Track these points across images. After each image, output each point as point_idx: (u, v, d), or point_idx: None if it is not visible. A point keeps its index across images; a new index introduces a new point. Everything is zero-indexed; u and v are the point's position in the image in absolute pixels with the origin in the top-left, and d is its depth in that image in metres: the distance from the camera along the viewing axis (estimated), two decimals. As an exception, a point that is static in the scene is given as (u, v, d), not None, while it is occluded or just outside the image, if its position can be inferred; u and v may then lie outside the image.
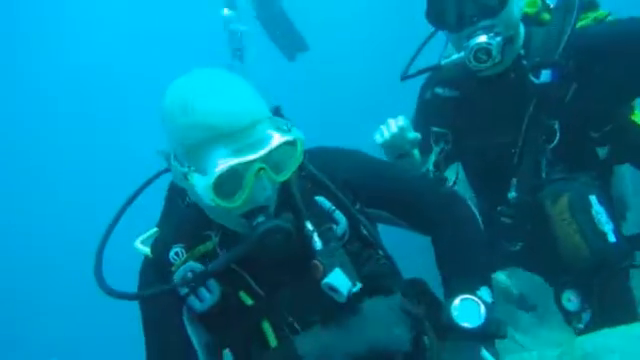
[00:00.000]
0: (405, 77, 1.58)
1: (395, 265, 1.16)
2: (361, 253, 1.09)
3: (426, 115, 1.65)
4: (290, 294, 1.04)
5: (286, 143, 0.93)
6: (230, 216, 0.97)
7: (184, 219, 1.11)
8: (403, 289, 1.12)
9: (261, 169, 0.90)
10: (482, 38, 1.30)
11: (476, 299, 1.01)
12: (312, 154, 1.12)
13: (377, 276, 1.08)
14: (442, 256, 1.14)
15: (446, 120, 1.58)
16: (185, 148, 0.92)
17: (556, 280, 1.50)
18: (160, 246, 1.09)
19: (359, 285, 0.98)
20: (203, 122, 0.88)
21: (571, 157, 1.41)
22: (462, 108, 1.54)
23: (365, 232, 1.10)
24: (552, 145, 1.39)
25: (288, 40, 5.19)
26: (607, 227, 1.30)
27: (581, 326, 1.43)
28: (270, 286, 1.06)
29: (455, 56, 1.38)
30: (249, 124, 0.90)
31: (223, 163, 0.88)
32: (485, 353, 0.98)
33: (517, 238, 1.53)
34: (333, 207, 1.07)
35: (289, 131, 0.96)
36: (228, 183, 0.90)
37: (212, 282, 1.04)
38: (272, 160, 0.93)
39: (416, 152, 1.61)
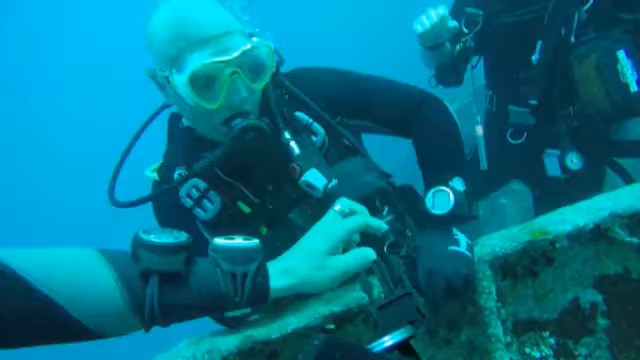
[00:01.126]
0: None
1: (380, 170, 1.25)
2: (342, 159, 1.20)
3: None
4: (281, 199, 1.16)
5: (258, 50, 1.04)
6: (214, 125, 1.06)
7: (182, 144, 1.21)
8: (385, 188, 1.23)
9: (235, 72, 1.00)
10: None
11: (447, 189, 1.10)
12: (292, 74, 1.23)
13: (355, 176, 1.19)
14: (420, 155, 1.24)
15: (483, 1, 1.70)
16: (168, 59, 1.01)
17: (565, 143, 1.62)
18: (165, 170, 1.21)
19: (335, 181, 1.09)
20: (182, 32, 0.99)
21: (603, 20, 1.49)
22: None
23: (346, 142, 1.21)
24: (586, 7, 1.48)
25: None
26: (631, 78, 1.40)
27: None
28: (263, 195, 1.18)
29: None
30: (223, 32, 1.01)
31: (199, 62, 0.98)
32: (455, 230, 1.07)
33: (534, 97, 1.64)
34: (311, 120, 1.17)
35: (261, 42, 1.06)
36: (206, 86, 1.01)
37: (212, 194, 1.15)
38: (246, 66, 1.03)
39: (448, 44, 1.73)
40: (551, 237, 0.99)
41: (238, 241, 0.82)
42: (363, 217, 0.94)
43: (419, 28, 1.64)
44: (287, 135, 1.12)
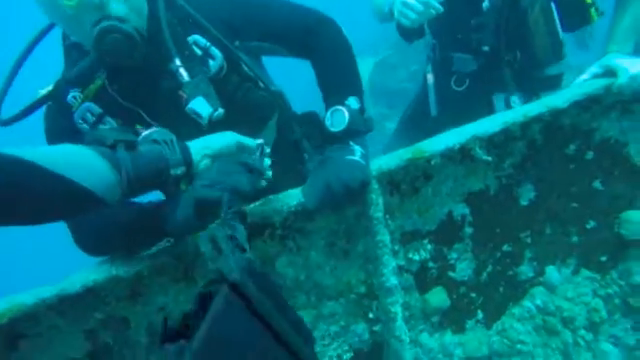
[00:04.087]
0: None
1: (279, 98, 1.31)
2: (240, 86, 1.24)
3: None
4: (176, 125, 1.13)
5: None
6: (86, 33, 1.04)
7: (73, 64, 1.16)
8: (284, 116, 1.30)
9: None
10: None
11: (342, 108, 1.20)
12: None
13: (254, 106, 1.27)
14: (318, 77, 1.30)
15: None
16: None
17: (511, 86, 1.74)
18: (57, 92, 1.17)
19: (221, 111, 1.12)
20: None
21: None
22: None
23: (244, 67, 1.24)
24: None
25: None
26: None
27: None
28: (162, 119, 1.18)
29: None
30: None
31: None
32: (352, 143, 1.18)
33: (484, 42, 1.72)
34: (208, 43, 1.18)
35: None
36: None
37: (108, 119, 1.16)
38: None
39: None
40: (427, 155, 1.18)
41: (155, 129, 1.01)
42: (237, 136, 1.06)
43: (406, 22, 1.58)
44: (177, 62, 1.12)
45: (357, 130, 1.20)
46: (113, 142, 0.91)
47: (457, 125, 1.39)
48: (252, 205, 1.14)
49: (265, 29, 1.27)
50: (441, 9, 1.53)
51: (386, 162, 1.17)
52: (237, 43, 1.23)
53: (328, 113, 1.22)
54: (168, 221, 0.99)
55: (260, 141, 1.09)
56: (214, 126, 1.12)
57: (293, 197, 1.13)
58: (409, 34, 1.80)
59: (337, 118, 1.20)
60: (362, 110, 1.25)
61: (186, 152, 0.97)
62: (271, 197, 1.15)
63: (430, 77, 1.94)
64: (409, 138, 1.96)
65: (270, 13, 1.27)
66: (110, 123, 1.16)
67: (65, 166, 0.79)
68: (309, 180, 1.12)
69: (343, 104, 1.21)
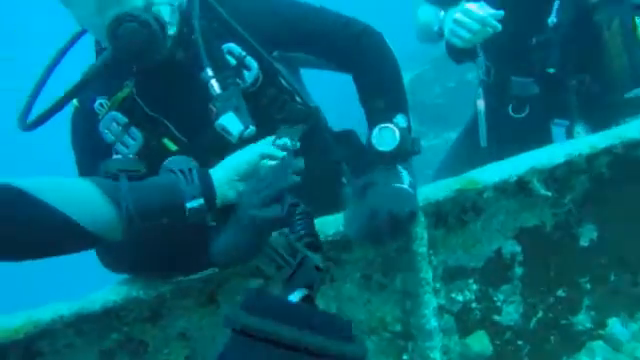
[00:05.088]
0: None
1: (316, 114, 1.23)
2: (276, 99, 1.15)
3: None
4: (209, 138, 1.07)
5: None
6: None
7: (102, 70, 1.08)
8: (321, 133, 1.21)
9: None
10: None
11: (391, 125, 1.10)
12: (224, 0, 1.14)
13: (290, 121, 1.15)
14: (362, 91, 1.21)
15: None
16: None
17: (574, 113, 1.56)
18: (85, 97, 1.12)
19: (253, 128, 1.02)
20: None
21: None
22: None
23: (281, 79, 1.15)
24: None
25: None
26: None
27: None
28: (190, 132, 1.11)
29: None
30: None
31: None
32: (400, 167, 1.07)
33: (549, 62, 1.53)
34: (244, 53, 1.11)
35: None
36: None
37: (134, 130, 1.09)
38: None
39: None
40: (479, 187, 1.07)
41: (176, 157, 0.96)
42: (263, 146, 1.00)
43: (458, 42, 1.42)
44: (209, 72, 1.04)
45: (406, 151, 1.10)
46: (116, 172, 0.86)
47: (511, 155, 1.27)
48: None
49: (308, 39, 1.19)
50: (499, 27, 1.37)
51: (433, 192, 1.07)
52: (275, 53, 1.16)
53: (375, 130, 1.11)
54: (219, 253, 0.93)
55: (283, 141, 1.03)
56: (244, 143, 1.04)
57: (330, 225, 1.05)
58: (460, 55, 1.62)
59: (386, 136, 1.09)
60: (409, 129, 1.14)
61: (206, 183, 0.91)
62: (306, 223, 1.07)
63: (481, 103, 1.75)
64: (457, 170, 1.82)
65: (313, 22, 1.19)
66: (135, 134, 1.09)
67: (58, 198, 0.75)
68: (351, 207, 1.03)
69: (391, 121, 1.11)
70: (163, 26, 0.96)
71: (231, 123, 1.00)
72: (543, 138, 1.68)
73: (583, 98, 1.58)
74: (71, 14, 1.03)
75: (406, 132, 1.11)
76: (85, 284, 1.02)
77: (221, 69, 1.07)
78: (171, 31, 1.01)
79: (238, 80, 1.09)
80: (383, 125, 1.10)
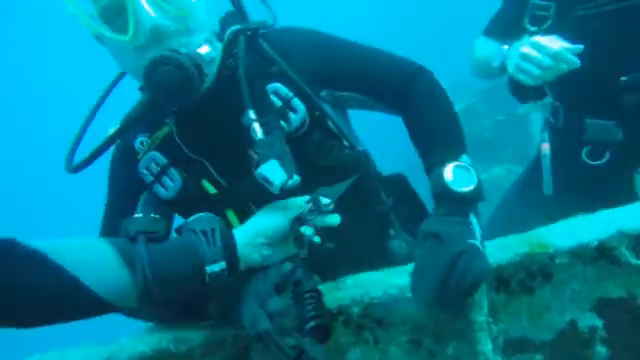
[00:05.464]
0: None
1: (365, 159, 1.15)
2: (323, 144, 1.07)
3: None
4: (249, 184, 1.00)
5: None
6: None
7: (144, 107, 1.04)
8: (369, 180, 1.13)
9: None
10: None
11: (465, 164, 0.98)
12: (270, 35, 1.08)
13: (338, 168, 1.08)
14: (417, 131, 1.11)
15: None
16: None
17: None
18: (125, 133, 1.08)
19: (297, 178, 0.94)
20: None
21: None
22: None
23: (329, 123, 1.08)
24: None
25: None
26: None
27: None
28: (230, 176, 1.06)
29: None
30: None
31: None
32: (472, 216, 0.93)
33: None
34: (291, 94, 1.04)
35: None
36: (117, 16, 0.91)
37: (173, 171, 1.06)
38: None
39: None
40: (551, 251, 0.92)
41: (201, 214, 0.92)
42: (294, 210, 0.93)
43: (526, 79, 1.28)
44: (251, 115, 0.97)
45: (482, 195, 0.96)
46: (135, 234, 0.82)
47: (583, 207, 1.09)
48: (325, 287, 0.97)
49: (358, 78, 1.12)
50: (577, 62, 1.21)
51: (495, 255, 0.94)
52: (324, 93, 1.09)
53: (446, 168, 0.97)
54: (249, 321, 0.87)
55: (320, 201, 0.95)
56: (287, 193, 0.97)
57: (376, 285, 0.94)
58: (525, 93, 1.48)
59: (461, 176, 0.95)
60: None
61: (229, 245, 0.86)
62: (349, 280, 0.98)
63: (546, 147, 1.55)
64: (516, 219, 1.63)
65: (364, 60, 1.12)
66: (174, 175, 1.06)
67: (70, 259, 0.71)
68: (417, 265, 0.90)
69: (461, 161, 0.98)
70: (200, 67, 0.94)
71: (273, 173, 0.92)
72: (624, 191, 1.44)
73: None
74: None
75: (479, 174, 0.98)
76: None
77: (265, 112, 1.01)
78: (211, 70, 0.98)
79: (283, 123, 1.03)
80: (456, 163, 0.97)
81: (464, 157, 1.01)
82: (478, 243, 0.88)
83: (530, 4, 1.41)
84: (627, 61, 1.34)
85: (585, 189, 1.48)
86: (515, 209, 1.82)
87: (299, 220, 0.93)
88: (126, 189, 1.11)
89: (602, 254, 0.96)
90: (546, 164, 1.55)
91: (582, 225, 0.96)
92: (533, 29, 1.38)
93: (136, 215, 1.02)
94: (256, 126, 0.97)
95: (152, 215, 0.93)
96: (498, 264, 0.93)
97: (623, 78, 1.35)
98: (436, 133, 1.08)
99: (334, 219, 0.95)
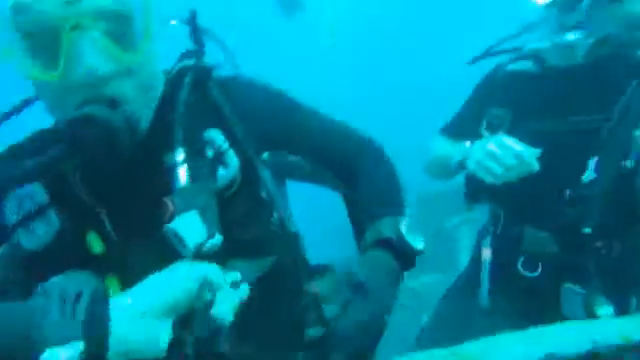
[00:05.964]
0: (476, 59, 1.52)
1: (293, 240, 1.02)
2: (250, 212, 0.90)
3: (487, 94, 1.52)
4: (151, 244, 0.77)
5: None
6: (66, 114, 0.75)
7: (54, 162, 0.82)
8: (293, 267, 0.98)
9: (79, 26, 0.72)
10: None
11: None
12: (225, 80, 0.95)
13: (258, 242, 0.91)
14: (363, 197, 1.03)
15: (512, 97, 1.44)
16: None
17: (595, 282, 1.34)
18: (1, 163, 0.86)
19: (219, 238, 0.77)
20: None
21: None
22: (541, 83, 1.43)
23: (262, 191, 0.93)
24: None
25: None
26: None
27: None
28: (128, 232, 0.82)
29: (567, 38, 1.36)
30: None
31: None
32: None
33: (587, 221, 1.35)
34: (226, 145, 0.87)
35: None
36: (48, 49, 0.73)
37: (52, 215, 0.81)
38: (104, 23, 0.75)
39: None
40: (481, 372, 0.81)
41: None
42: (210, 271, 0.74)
43: (487, 177, 1.30)
44: (179, 156, 0.81)
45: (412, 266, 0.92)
46: None
47: (513, 322, 1.01)
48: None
49: (309, 144, 1.04)
50: (537, 167, 1.25)
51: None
52: (265, 155, 0.97)
53: (403, 223, 0.92)
54: None
55: (233, 275, 0.78)
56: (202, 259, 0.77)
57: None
58: (480, 194, 1.50)
59: (416, 235, 0.91)
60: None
61: (97, 318, 0.61)
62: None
63: (487, 253, 1.51)
64: (450, 327, 1.54)
65: (318, 126, 1.05)
66: (51, 219, 0.81)
67: None
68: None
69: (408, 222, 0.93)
70: (132, 122, 0.78)
71: (189, 229, 0.74)
72: (551, 304, 1.43)
73: (603, 263, 1.37)
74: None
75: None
76: None
77: (196, 156, 0.83)
78: (146, 115, 0.84)
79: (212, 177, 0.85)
80: (406, 223, 0.92)
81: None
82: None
83: (487, 112, 1.49)
84: (571, 177, 1.40)
85: (518, 301, 1.45)
86: (446, 321, 1.73)
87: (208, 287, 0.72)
88: None
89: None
90: (485, 271, 1.51)
91: (512, 344, 0.87)
92: (487, 135, 1.44)
93: None
94: (181, 170, 0.80)
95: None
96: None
97: (568, 192, 1.39)
98: (383, 202, 1.02)
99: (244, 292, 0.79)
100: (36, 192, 0.82)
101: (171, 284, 0.70)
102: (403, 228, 0.91)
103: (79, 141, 0.74)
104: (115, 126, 0.74)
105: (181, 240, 0.75)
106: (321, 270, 1.13)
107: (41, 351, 0.58)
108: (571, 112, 1.41)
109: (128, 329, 0.64)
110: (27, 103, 0.89)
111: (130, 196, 0.85)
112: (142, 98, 0.81)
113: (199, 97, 0.90)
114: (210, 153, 0.86)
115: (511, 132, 1.39)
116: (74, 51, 0.72)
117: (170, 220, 0.76)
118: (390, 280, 0.88)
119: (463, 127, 1.56)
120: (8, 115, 0.87)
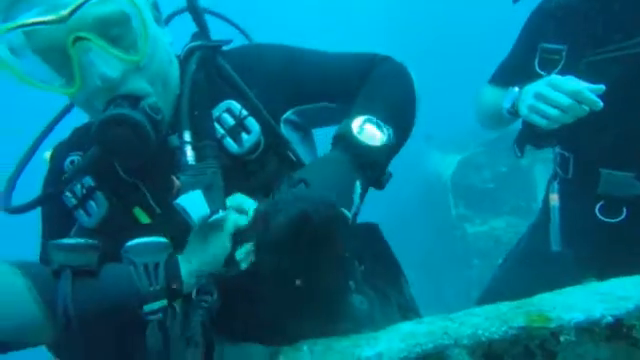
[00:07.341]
0: None
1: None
2: (280, 171, 0.94)
3: (539, 29, 1.38)
4: (176, 216, 0.87)
5: (113, 4, 0.79)
6: (97, 114, 0.85)
7: (83, 128, 1.03)
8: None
9: (80, 39, 0.77)
10: None
11: (382, 125, 0.88)
12: (233, 53, 1.02)
13: None
14: (359, 93, 0.99)
15: (567, 31, 1.30)
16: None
17: None
18: (57, 154, 1.03)
19: (222, 213, 0.85)
20: None
21: None
22: (598, 12, 1.25)
23: (287, 151, 0.97)
24: None
25: None
26: None
27: None
28: (165, 203, 0.92)
29: None
30: None
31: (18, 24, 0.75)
32: (357, 185, 0.82)
33: None
34: (245, 112, 0.94)
35: None
36: (64, 68, 0.81)
37: (99, 195, 0.95)
38: (101, 30, 0.80)
39: None
40: (553, 326, 0.75)
41: (146, 238, 0.85)
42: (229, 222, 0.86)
43: (541, 121, 1.19)
44: (186, 136, 0.88)
45: (380, 167, 0.87)
46: (58, 267, 0.74)
47: (592, 271, 0.92)
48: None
49: (325, 80, 1.03)
50: (600, 104, 1.11)
51: (485, 327, 0.76)
52: (290, 114, 1.01)
53: (358, 117, 0.88)
54: None
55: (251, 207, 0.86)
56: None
57: (339, 356, 0.76)
58: (541, 138, 1.36)
59: (369, 133, 0.86)
60: (394, 152, 0.92)
61: (174, 280, 0.81)
62: (305, 346, 0.80)
63: (555, 198, 1.42)
64: (516, 281, 1.46)
65: (332, 65, 1.05)
66: (100, 200, 0.94)
67: None
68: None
69: (382, 124, 0.88)
70: (154, 119, 0.84)
71: (193, 205, 0.82)
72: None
73: None
74: None
75: (393, 148, 0.89)
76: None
77: (202, 136, 0.90)
78: (161, 116, 0.89)
79: (234, 145, 0.93)
80: (373, 119, 0.88)
81: (391, 130, 0.90)
82: (348, 214, 0.79)
83: (540, 48, 1.35)
84: (634, 108, 1.24)
85: (599, 250, 1.33)
86: (516, 269, 1.64)
87: (240, 237, 0.84)
88: (57, 215, 0.99)
89: (617, 334, 0.79)
90: (555, 217, 1.41)
91: (593, 295, 0.80)
92: (543, 73, 1.31)
93: (64, 241, 0.86)
94: (188, 149, 0.88)
95: (83, 241, 0.82)
96: (488, 339, 0.76)
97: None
98: (375, 96, 0.98)
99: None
100: (85, 178, 0.96)
101: (216, 251, 0.85)
102: (356, 122, 0.87)
103: (109, 142, 0.84)
104: (139, 121, 0.82)
105: (188, 215, 0.84)
106: (364, 226, 1.11)
107: (142, 307, 0.79)
108: (617, 34, 1.23)
109: (189, 281, 0.85)
110: (69, 107, 1.04)
111: (159, 173, 0.95)
112: (159, 88, 0.88)
113: (210, 72, 0.96)
114: (231, 121, 0.94)
115: (570, 67, 1.25)
116: (83, 63, 0.80)
117: (177, 196, 0.85)
118: (335, 170, 0.83)
119: (515, 71, 1.43)
120: (57, 120, 1.04)
